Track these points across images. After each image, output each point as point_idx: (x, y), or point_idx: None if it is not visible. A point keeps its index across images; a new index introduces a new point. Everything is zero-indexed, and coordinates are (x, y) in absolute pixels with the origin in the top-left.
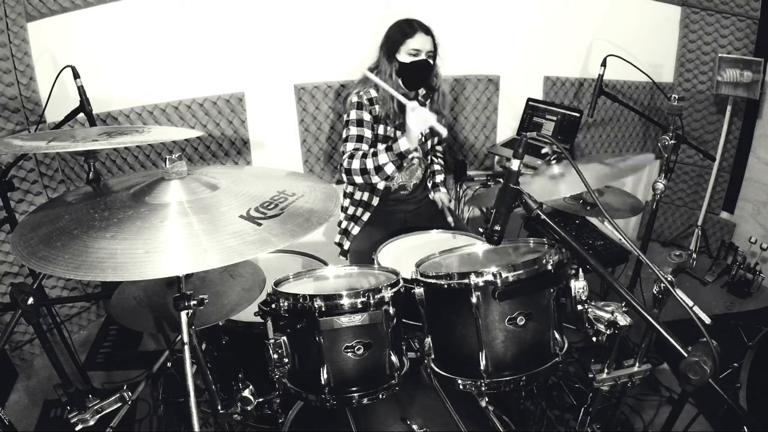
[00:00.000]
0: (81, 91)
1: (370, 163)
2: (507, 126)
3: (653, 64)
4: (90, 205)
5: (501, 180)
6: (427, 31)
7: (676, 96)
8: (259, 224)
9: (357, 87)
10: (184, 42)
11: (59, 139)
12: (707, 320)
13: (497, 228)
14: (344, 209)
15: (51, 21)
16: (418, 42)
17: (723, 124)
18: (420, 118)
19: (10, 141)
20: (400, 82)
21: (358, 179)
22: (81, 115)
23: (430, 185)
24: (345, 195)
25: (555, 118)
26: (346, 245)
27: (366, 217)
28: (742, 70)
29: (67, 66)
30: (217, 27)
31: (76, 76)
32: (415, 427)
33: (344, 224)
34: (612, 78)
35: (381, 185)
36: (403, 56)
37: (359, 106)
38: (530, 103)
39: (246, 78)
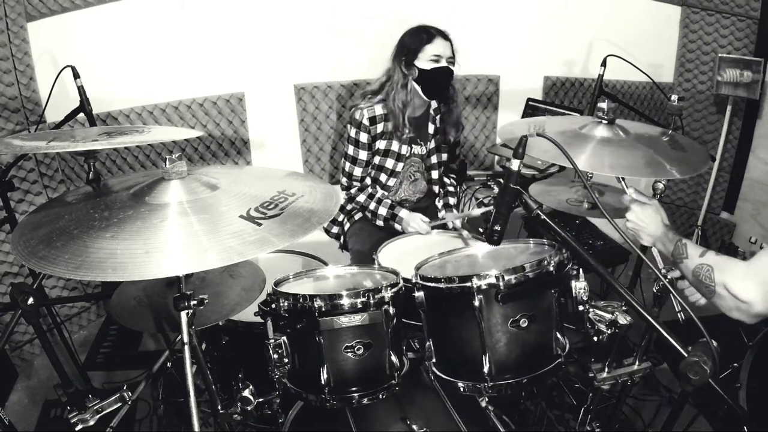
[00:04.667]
0: (81, 91)
1: (368, 212)
2: None
3: (653, 64)
4: (90, 205)
5: (501, 180)
6: (446, 37)
7: (676, 96)
8: (259, 224)
9: (364, 102)
10: (184, 42)
11: (59, 139)
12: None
13: (497, 228)
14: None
15: (51, 21)
16: (439, 47)
17: (723, 124)
18: (415, 227)
19: (10, 141)
20: (418, 89)
21: (351, 206)
22: (81, 115)
23: (440, 205)
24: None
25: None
26: (334, 229)
27: (358, 216)
28: (742, 70)
29: (67, 66)
30: (217, 27)
31: (76, 76)
32: (415, 427)
33: (340, 217)
34: (612, 78)
35: (379, 193)
36: (423, 63)
37: (359, 125)
38: (530, 103)
39: (246, 78)
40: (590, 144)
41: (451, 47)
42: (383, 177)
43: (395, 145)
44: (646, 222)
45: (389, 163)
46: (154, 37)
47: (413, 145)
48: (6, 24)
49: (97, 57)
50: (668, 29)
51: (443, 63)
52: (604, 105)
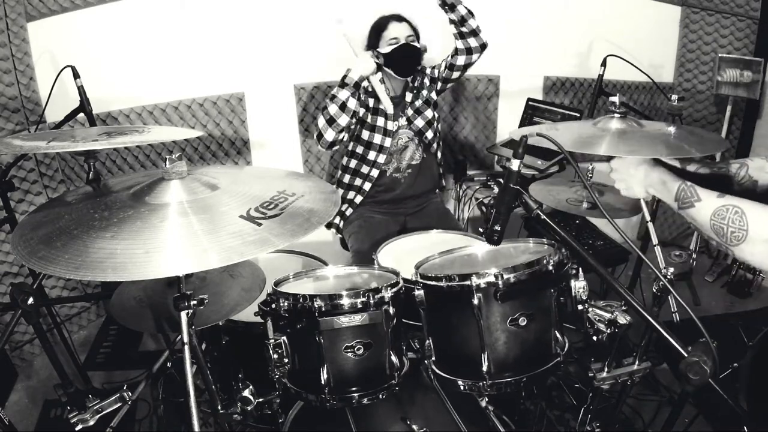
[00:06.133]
0: (81, 91)
1: (332, 106)
2: (507, 126)
3: (653, 64)
4: (90, 205)
5: (501, 180)
6: (400, 19)
7: (676, 96)
8: (259, 224)
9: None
10: (184, 42)
11: (59, 139)
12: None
13: (497, 228)
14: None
15: (51, 21)
16: (393, 31)
17: (723, 124)
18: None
19: (10, 141)
20: (391, 72)
21: (328, 133)
22: (81, 115)
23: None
24: (340, 183)
25: (555, 118)
26: (336, 220)
27: (359, 199)
28: (742, 70)
29: (67, 66)
30: (217, 27)
31: (76, 76)
32: (415, 427)
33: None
34: (612, 78)
35: (374, 173)
36: (384, 48)
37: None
38: (530, 103)
39: (246, 78)
40: (607, 135)
41: (409, 26)
42: (372, 154)
43: (381, 121)
44: (631, 171)
45: (377, 138)
46: (154, 37)
47: (398, 119)
48: (6, 24)
49: (97, 57)
50: (668, 29)
51: (402, 41)
52: (615, 99)
